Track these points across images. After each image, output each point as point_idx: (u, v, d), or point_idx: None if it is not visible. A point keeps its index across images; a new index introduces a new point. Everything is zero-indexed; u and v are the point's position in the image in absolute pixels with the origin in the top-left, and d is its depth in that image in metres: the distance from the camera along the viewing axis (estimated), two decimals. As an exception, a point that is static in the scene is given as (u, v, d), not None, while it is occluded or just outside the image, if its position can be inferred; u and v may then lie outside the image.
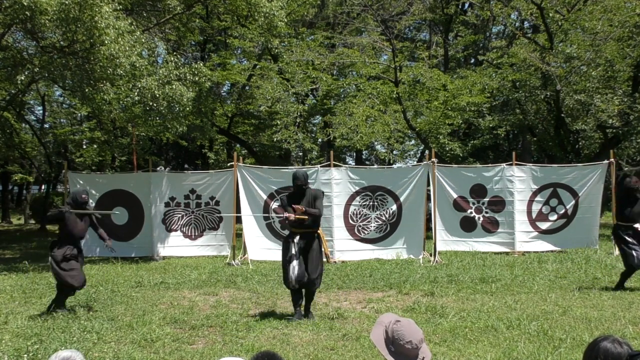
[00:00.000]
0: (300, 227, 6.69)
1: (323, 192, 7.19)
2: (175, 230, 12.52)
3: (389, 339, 2.34)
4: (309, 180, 7.23)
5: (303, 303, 6.77)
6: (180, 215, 12.51)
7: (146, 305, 7.40)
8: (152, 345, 5.53)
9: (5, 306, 7.47)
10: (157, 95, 11.32)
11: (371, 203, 12.04)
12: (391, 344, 2.33)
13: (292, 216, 6.56)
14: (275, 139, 16.75)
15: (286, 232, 11.48)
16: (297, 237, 6.68)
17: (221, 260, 11.74)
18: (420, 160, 20.83)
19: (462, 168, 13.13)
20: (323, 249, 6.84)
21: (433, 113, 17.54)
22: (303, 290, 6.74)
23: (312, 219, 6.65)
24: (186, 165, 32.30)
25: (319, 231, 6.86)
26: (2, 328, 6.26)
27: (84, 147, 23.18)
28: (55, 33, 10.82)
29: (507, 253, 12.16)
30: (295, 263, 6.59)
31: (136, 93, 11.27)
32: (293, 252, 6.62)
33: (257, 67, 19.54)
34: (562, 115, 16.39)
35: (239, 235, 12.40)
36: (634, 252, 7.77)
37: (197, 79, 12.70)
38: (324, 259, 7.01)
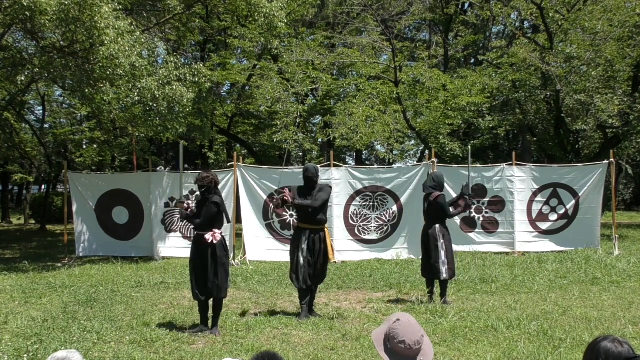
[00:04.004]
0: (310, 223, 6.69)
1: (330, 187, 7.17)
2: (175, 231, 12.51)
3: (387, 336, 2.36)
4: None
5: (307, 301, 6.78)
6: (180, 216, 12.49)
7: (146, 305, 7.39)
8: (152, 345, 5.53)
9: (5, 306, 7.47)
10: (157, 96, 11.31)
11: (371, 203, 12.04)
12: (388, 341, 2.36)
13: (285, 196, 6.59)
14: (275, 140, 16.75)
15: (286, 233, 11.58)
16: (307, 233, 6.68)
17: (221, 260, 11.73)
18: (420, 160, 20.82)
19: (462, 168, 13.13)
20: (328, 247, 6.82)
21: (433, 113, 17.54)
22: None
23: (307, 210, 6.63)
24: (186, 165, 32.31)
25: (325, 228, 6.87)
26: (2, 328, 6.25)
27: (84, 147, 23.18)
28: (55, 33, 10.82)
29: (507, 253, 12.17)
30: (304, 262, 6.60)
31: (136, 93, 11.26)
32: (303, 250, 6.62)
33: (257, 67, 19.53)
34: (562, 115, 16.39)
35: (239, 235, 12.40)
36: None
37: (197, 79, 12.70)
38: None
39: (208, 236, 5.96)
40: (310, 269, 6.64)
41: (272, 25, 13.34)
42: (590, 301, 7.28)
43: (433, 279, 7.34)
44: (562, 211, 12.51)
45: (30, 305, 7.55)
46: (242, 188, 11.90)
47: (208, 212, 6.03)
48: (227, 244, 6.25)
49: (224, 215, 6.14)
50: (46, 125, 25.52)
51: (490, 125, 18.68)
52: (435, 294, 7.43)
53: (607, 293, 7.75)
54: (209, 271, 5.99)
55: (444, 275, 7.16)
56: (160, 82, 11.54)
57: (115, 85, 11.54)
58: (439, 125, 17.10)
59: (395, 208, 12.02)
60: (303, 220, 6.76)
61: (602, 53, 14.81)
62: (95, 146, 21.95)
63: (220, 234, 6.12)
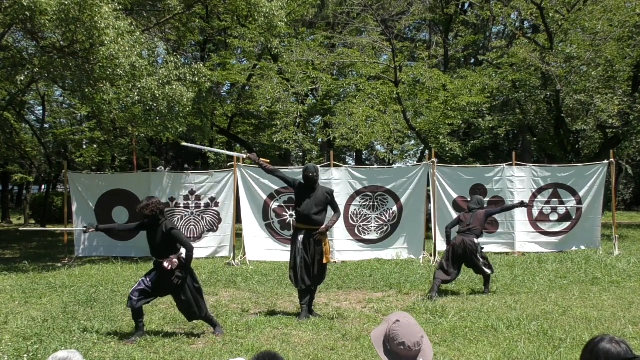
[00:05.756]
0: (306, 224, 6.70)
1: (332, 190, 7.22)
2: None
3: (387, 337, 2.36)
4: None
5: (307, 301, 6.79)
6: (180, 216, 12.50)
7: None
8: (152, 345, 5.53)
9: (5, 306, 7.47)
10: (157, 96, 11.31)
11: (371, 203, 12.04)
12: (388, 342, 2.35)
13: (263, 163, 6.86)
14: (275, 140, 16.75)
15: (286, 233, 11.58)
16: (303, 233, 6.68)
17: (221, 261, 11.74)
18: (420, 160, 20.83)
19: (462, 168, 13.13)
20: (324, 248, 6.80)
21: (433, 113, 17.54)
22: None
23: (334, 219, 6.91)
24: (186, 165, 32.32)
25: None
26: (2, 328, 6.26)
27: (84, 147, 23.17)
28: (55, 33, 10.82)
29: (507, 253, 12.17)
30: (301, 262, 6.60)
31: (136, 93, 11.26)
32: (299, 250, 6.62)
33: (257, 67, 19.54)
34: (562, 115, 16.39)
35: (239, 235, 12.40)
36: None
37: (197, 79, 12.70)
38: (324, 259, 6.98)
39: (166, 264, 5.73)
40: (308, 269, 6.64)
41: (272, 25, 13.34)
42: (590, 301, 7.27)
43: (478, 274, 8.25)
44: (562, 211, 12.50)
45: (30, 305, 7.55)
46: (242, 188, 11.90)
47: (162, 241, 5.76)
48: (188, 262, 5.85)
49: (180, 242, 5.81)
50: (46, 125, 25.52)
51: (490, 125, 18.68)
52: (435, 295, 7.50)
53: (607, 293, 7.75)
54: (176, 297, 5.85)
55: (488, 271, 7.94)
56: (160, 82, 11.54)
57: (115, 85, 11.54)
58: (439, 125, 17.09)
59: (395, 208, 12.02)
60: (299, 221, 6.76)
61: (602, 53, 14.81)
62: (95, 146, 21.94)
63: (179, 256, 5.83)
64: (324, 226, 6.74)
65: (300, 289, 6.65)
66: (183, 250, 5.93)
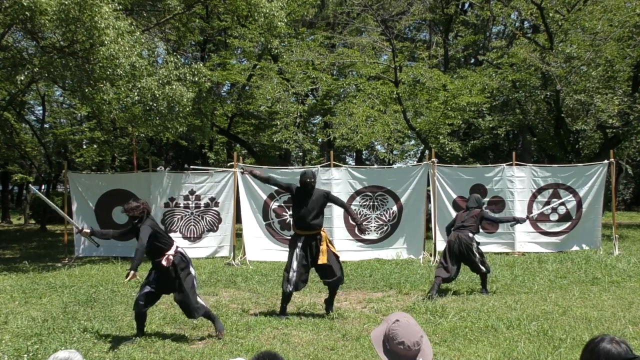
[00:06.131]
0: (303, 230, 6.69)
1: (329, 192, 7.22)
2: (175, 231, 12.48)
3: (386, 337, 2.36)
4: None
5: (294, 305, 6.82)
6: (180, 216, 12.49)
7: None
8: (152, 345, 5.53)
9: (5, 306, 7.47)
10: (157, 96, 11.31)
11: (371, 203, 12.04)
12: (387, 342, 2.36)
13: None
14: (275, 140, 16.76)
15: (285, 233, 11.58)
16: (302, 239, 6.67)
17: (221, 261, 11.74)
18: (420, 160, 20.82)
19: (462, 168, 13.13)
20: (324, 246, 6.76)
21: (433, 113, 17.54)
22: (299, 291, 6.82)
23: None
24: (186, 165, 32.32)
25: (322, 232, 6.83)
26: (2, 328, 6.26)
27: (84, 147, 23.17)
28: (55, 33, 10.82)
29: (507, 253, 12.17)
30: (298, 266, 6.59)
31: (136, 93, 11.26)
32: (297, 255, 6.62)
33: (257, 67, 19.55)
34: (562, 115, 16.39)
35: (239, 235, 12.40)
36: None
37: (197, 79, 12.70)
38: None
39: (164, 262, 5.68)
40: (306, 274, 6.68)
41: (272, 25, 13.34)
42: (590, 301, 7.28)
43: (475, 273, 8.20)
44: (562, 211, 12.50)
45: (30, 305, 7.55)
46: (242, 188, 11.90)
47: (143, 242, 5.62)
48: (186, 257, 5.88)
49: (160, 237, 5.75)
50: (46, 125, 25.50)
51: (490, 125, 18.68)
52: (435, 295, 7.51)
53: (607, 293, 7.76)
54: (176, 293, 5.82)
55: (484, 269, 7.91)
56: (160, 81, 11.54)
57: (115, 85, 11.54)
58: (439, 125, 17.10)
59: (395, 208, 12.02)
60: (298, 227, 6.75)
61: (602, 53, 14.81)
62: (95, 146, 21.94)
63: (176, 249, 5.80)
64: (358, 221, 7.09)
65: (288, 291, 6.62)
66: (178, 244, 5.96)
